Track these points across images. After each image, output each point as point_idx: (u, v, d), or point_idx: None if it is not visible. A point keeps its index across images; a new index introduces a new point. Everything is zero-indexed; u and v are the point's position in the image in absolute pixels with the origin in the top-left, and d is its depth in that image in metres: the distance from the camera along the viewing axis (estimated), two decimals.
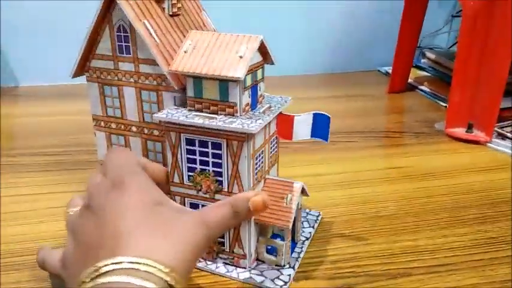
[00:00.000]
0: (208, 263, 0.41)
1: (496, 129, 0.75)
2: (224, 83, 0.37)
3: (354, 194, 0.56)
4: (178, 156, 0.38)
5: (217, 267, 0.41)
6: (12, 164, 0.64)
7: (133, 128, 0.44)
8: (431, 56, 1.11)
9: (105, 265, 0.26)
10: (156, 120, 0.39)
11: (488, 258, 0.43)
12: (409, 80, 1.06)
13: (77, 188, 0.45)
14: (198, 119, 0.36)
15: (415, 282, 0.40)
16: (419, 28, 0.98)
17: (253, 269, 0.40)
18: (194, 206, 0.40)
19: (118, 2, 0.38)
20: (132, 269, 0.26)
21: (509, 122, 0.80)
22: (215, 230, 0.31)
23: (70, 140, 0.73)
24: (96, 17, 0.40)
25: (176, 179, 0.40)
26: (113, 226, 0.29)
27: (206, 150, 0.38)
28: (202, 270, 0.41)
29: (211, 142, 0.37)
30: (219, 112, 0.38)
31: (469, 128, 0.74)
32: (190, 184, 0.39)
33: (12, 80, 1.08)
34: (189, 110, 0.38)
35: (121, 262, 0.26)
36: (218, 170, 0.38)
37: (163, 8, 0.42)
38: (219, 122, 0.36)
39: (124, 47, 0.40)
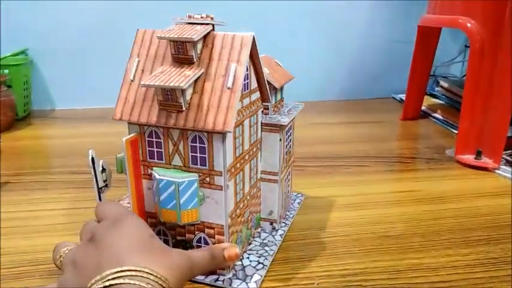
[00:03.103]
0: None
1: (504, 156, 0.78)
2: (282, 87, 0.53)
3: (364, 215, 0.60)
4: (284, 147, 0.52)
5: None
6: (52, 181, 0.71)
7: (246, 156, 0.47)
8: (445, 84, 1.15)
9: (112, 273, 0.32)
10: (256, 138, 0.50)
11: (489, 276, 0.46)
12: (423, 108, 1.10)
13: None
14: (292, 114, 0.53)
15: None
16: (432, 58, 1.03)
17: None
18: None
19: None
20: (136, 275, 0.32)
21: None
22: (197, 264, 0.40)
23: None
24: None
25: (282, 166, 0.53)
26: (111, 250, 0.35)
27: (290, 132, 0.55)
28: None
29: (290, 126, 0.54)
30: (280, 109, 0.54)
31: (478, 155, 0.77)
32: (284, 164, 0.54)
33: (50, 103, 1.17)
34: (274, 114, 0.52)
35: (126, 270, 0.33)
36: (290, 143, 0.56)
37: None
38: (291, 112, 0.54)
39: (245, 84, 0.44)
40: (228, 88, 0.40)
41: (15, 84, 1.01)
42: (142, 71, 0.43)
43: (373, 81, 1.29)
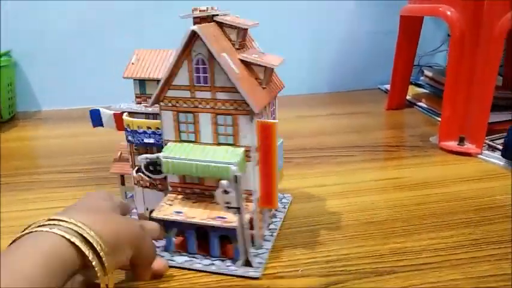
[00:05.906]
0: None
1: (487, 141, 0.79)
2: None
3: (350, 202, 0.61)
4: None
5: None
6: (38, 181, 0.71)
7: None
8: (429, 73, 1.17)
9: (40, 220, 0.35)
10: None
11: (469, 257, 0.47)
12: (408, 97, 1.11)
13: None
14: None
15: (400, 279, 0.44)
16: (415, 47, 1.04)
17: None
18: None
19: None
20: (58, 224, 0.34)
21: (501, 134, 0.84)
22: (148, 233, 0.42)
23: (90, 159, 0.79)
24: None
25: None
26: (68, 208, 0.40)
27: None
28: None
29: None
30: None
31: (461, 141, 0.78)
32: None
33: (35, 104, 1.16)
34: None
35: (53, 219, 0.34)
36: None
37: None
38: None
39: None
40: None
41: None
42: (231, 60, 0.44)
43: (359, 73, 1.30)
